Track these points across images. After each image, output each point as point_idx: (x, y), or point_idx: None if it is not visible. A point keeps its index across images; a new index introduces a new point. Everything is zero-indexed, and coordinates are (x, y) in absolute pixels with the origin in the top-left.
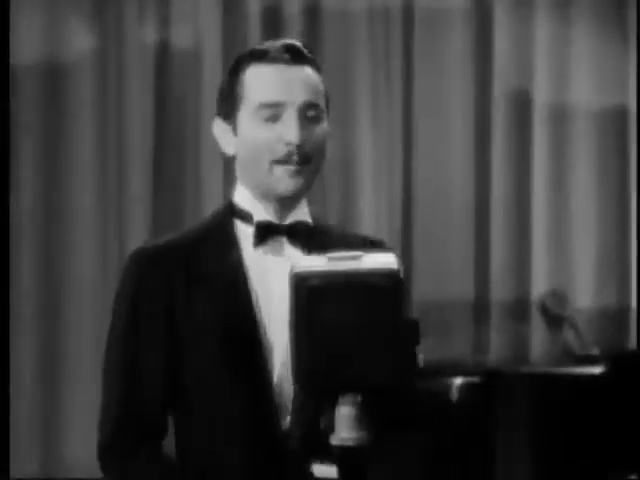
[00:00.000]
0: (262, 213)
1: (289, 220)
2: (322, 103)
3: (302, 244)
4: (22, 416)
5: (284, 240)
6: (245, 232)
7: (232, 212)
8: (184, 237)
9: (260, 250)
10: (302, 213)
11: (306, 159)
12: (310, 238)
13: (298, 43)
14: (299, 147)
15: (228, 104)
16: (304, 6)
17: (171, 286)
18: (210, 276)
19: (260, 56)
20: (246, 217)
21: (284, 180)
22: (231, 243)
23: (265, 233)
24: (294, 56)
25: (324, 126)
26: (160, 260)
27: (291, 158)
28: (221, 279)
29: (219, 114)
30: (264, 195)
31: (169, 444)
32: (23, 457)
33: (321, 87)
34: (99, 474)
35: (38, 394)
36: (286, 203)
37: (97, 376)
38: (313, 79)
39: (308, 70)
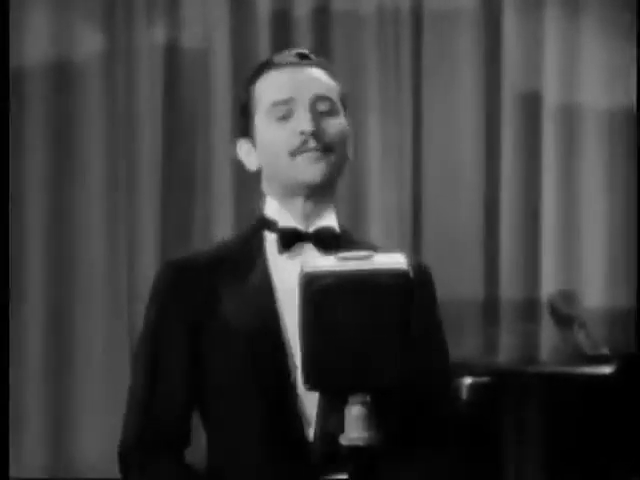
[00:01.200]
0: (288, 220)
1: (315, 227)
2: (335, 98)
3: (328, 251)
4: (30, 416)
5: (310, 247)
6: (272, 240)
7: (262, 223)
8: (213, 249)
9: (285, 257)
10: (329, 220)
11: (325, 147)
12: (335, 245)
13: (305, 50)
14: (314, 135)
15: (245, 119)
16: (313, 7)
17: (197, 294)
18: (235, 284)
19: (268, 65)
20: (273, 226)
21: (306, 168)
22: (258, 252)
23: (290, 240)
24: (301, 58)
25: (341, 120)
26: (188, 269)
27: (308, 145)
28: (246, 287)
29: (240, 134)
30: (292, 193)
31: (197, 451)
32: (31, 457)
33: (333, 84)
34: (107, 474)
35: (46, 394)
36: (314, 201)
37: (106, 375)
38: (322, 76)
39: (316, 69)
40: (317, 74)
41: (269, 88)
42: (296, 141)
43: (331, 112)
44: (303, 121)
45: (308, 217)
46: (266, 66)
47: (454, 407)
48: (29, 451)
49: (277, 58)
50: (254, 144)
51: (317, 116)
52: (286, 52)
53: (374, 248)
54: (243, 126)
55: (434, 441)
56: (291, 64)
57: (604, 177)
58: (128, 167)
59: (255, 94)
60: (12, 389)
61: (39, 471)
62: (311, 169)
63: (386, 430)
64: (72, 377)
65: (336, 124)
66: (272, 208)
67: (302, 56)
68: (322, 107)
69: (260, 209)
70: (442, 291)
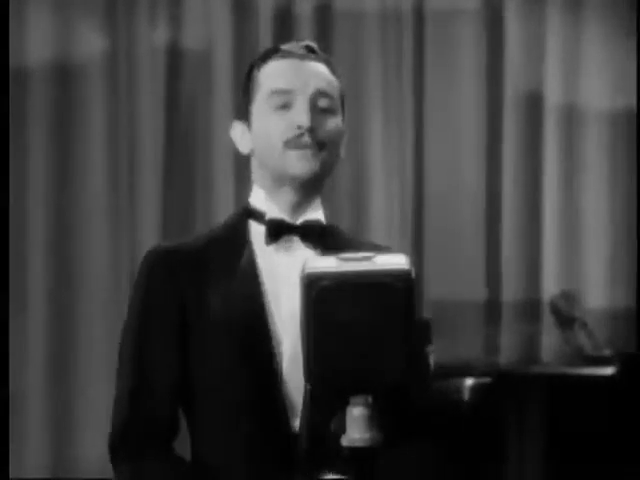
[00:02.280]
0: (275, 211)
1: (302, 219)
2: (335, 96)
3: (314, 244)
4: (31, 416)
5: (296, 239)
6: (258, 231)
7: (247, 213)
8: (198, 238)
9: (272, 248)
10: (315, 213)
11: (319, 144)
12: (322, 238)
13: (313, 43)
14: (310, 131)
15: (244, 103)
16: (315, 6)
17: (182, 283)
18: (221, 274)
19: (274, 52)
20: (260, 216)
21: (297, 163)
22: (243, 242)
23: (277, 231)
24: (307, 51)
25: (338, 120)
26: (172, 258)
27: (302, 140)
28: (232, 277)
29: (236, 116)
30: (280, 183)
31: (185, 444)
32: (31, 457)
33: (335, 83)
34: (107, 474)
35: (47, 394)
36: (301, 194)
37: (106, 376)
38: (326, 72)
39: (321, 65)
40: (321, 69)
41: (271, 75)
42: (291, 134)
43: (330, 110)
44: (301, 115)
45: (295, 209)
46: (272, 52)
47: (429, 401)
48: (29, 451)
49: (284, 47)
50: (249, 127)
51: (316, 111)
52: (294, 43)
53: (377, 248)
54: (241, 108)
55: (414, 434)
56: (297, 55)
57: (605, 178)
58: (129, 167)
59: (257, 79)
60: (13, 389)
61: (39, 471)
62: (301, 165)
63: (386, 430)
64: (73, 377)
65: (333, 122)
66: (259, 198)
67: (309, 49)
68: (322, 103)
69: (246, 197)
70: (444, 291)
